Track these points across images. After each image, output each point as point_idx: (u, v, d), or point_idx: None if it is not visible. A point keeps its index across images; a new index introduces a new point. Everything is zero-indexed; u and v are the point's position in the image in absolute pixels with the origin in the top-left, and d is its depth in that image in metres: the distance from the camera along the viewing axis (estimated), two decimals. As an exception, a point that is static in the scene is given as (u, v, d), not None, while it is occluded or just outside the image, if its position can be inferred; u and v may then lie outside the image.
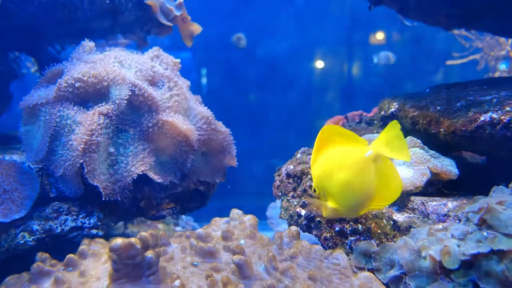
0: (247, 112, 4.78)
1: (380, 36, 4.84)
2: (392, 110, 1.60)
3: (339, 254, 1.10)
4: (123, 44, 2.45)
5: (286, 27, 4.94)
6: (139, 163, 1.46)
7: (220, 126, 1.72)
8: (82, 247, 1.24)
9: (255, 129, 4.63)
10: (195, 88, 1.89)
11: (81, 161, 1.33)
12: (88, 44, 1.64)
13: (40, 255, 1.23)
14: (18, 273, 1.21)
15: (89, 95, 1.47)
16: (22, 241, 1.33)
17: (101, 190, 1.37)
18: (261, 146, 4.57)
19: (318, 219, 1.28)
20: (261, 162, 4.33)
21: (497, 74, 3.74)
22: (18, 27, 1.82)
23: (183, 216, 3.01)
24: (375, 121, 1.86)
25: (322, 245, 1.27)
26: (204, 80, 4.93)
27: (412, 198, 1.21)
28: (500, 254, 0.89)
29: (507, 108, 1.14)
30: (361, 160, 0.97)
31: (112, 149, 1.43)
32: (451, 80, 1.72)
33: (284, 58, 4.85)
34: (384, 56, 3.60)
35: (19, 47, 2.22)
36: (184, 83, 1.75)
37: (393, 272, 1.04)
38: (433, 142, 1.32)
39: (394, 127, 0.96)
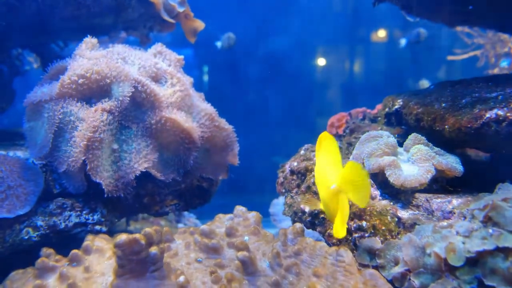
0: (249, 109, 4.78)
1: (382, 33, 4.83)
2: (396, 107, 1.60)
3: (344, 251, 1.10)
4: (122, 38, 2.44)
5: (288, 24, 4.94)
6: (142, 159, 1.45)
7: (224, 123, 1.72)
8: (86, 243, 1.24)
9: (257, 127, 4.63)
10: (197, 85, 1.88)
11: (84, 157, 1.33)
12: (91, 40, 1.64)
13: (45, 250, 1.23)
14: (23, 268, 1.22)
15: (92, 92, 1.46)
16: (26, 237, 1.33)
17: (103, 187, 1.37)
18: (263, 144, 4.57)
19: (322, 215, 1.28)
20: (263, 159, 4.32)
21: (496, 71, 3.74)
22: (21, 24, 1.82)
23: (185, 213, 3.01)
24: (379, 118, 1.86)
25: (326, 242, 1.27)
26: (205, 77, 4.93)
27: (417, 195, 1.21)
28: (505, 251, 0.89)
29: (513, 105, 1.13)
30: (328, 188, 1.07)
31: (115, 146, 1.43)
32: (453, 77, 1.72)
33: (287, 55, 4.84)
34: (414, 35, 3.61)
35: (22, 44, 2.22)
36: (187, 80, 1.74)
37: (397, 269, 1.04)
38: (438, 139, 1.31)
39: (357, 169, 1.00)
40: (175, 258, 1.18)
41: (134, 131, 1.49)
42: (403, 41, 3.75)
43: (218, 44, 4.04)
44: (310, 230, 1.40)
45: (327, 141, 1.14)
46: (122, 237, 0.95)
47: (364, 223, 1.19)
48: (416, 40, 3.69)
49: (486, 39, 3.68)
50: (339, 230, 1.03)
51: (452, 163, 1.22)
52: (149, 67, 1.57)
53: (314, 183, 1.40)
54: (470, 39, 3.75)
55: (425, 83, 4.03)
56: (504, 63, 3.73)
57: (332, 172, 1.08)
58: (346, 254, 1.09)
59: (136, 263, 0.97)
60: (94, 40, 1.65)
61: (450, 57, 3.89)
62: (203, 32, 2.37)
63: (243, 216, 1.31)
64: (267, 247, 1.18)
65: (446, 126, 1.26)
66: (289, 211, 1.49)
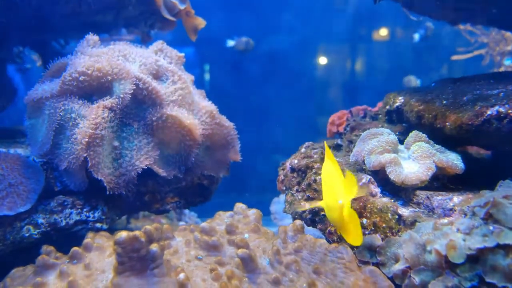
0: (250, 108, 4.77)
1: (383, 31, 4.81)
2: (397, 104, 1.59)
3: (344, 248, 1.10)
4: (127, 40, 2.45)
5: (290, 22, 4.93)
6: (143, 157, 1.45)
7: (224, 120, 1.72)
8: (86, 240, 1.24)
9: (258, 125, 4.62)
10: (198, 84, 1.89)
11: (85, 154, 1.33)
12: (92, 37, 1.64)
13: (45, 248, 1.23)
14: (24, 266, 1.22)
15: (93, 89, 1.46)
16: (27, 234, 1.34)
17: (105, 184, 1.37)
18: (264, 142, 4.56)
19: (323, 213, 1.28)
20: (264, 157, 4.32)
21: (502, 70, 3.72)
22: (22, 21, 1.82)
23: (186, 211, 3.01)
24: (380, 116, 1.85)
25: (326, 239, 1.27)
26: (207, 76, 4.92)
27: (417, 192, 1.21)
28: (506, 249, 0.88)
29: (514, 102, 1.12)
30: (336, 201, 1.09)
31: (116, 143, 1.43)
32: (454, 76, 1.71)
33: (288, 53, 4.83)
34: (423, 29, 3.67)
35: (23, 41, 2.22)
36: (188, 77, 1.74)
37: (398, 266, 1.04)
38: (439, 136, 1.31)
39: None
40: (175, 256, 1.18)
41: (135, 128, 1.49)
42: (416, 36, 3.76)
43: (230, 43, 3.99)
44: (310, 228, 1.40)
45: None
46: (122, 234, 0.95)
47: (364, 220, 1.19)
48: (425, 35, 3.71)
49: (489, 37, 3.66)
50: (356, 238, 1.07)
51: (453, 160, 1.22)
52: (150, 65, 1.57)
53: (314, 181, 1.40)
54: (473, 37, 3.73)
55: (411, 79, 4.04)
56: (508, 61, 3.72)
57: (341, 185, 1.12)
58: (346, 251, 1.09)
59: (136, 260, 0.97)
60: (96, 38, 1.65)
61: (454, 57, 3.86)
62: (204, 31, 2.37)
63: (243, 214, 1.31)
64: (267, 245, 1.18)
65: (447, 123, 1.25)
66: (289, 209, 1.48)
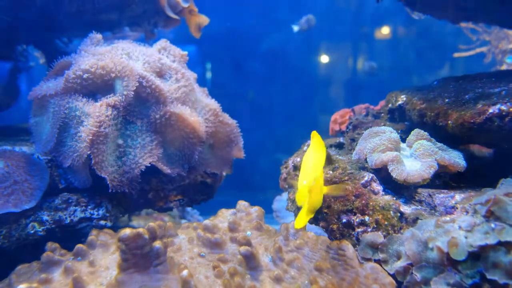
0: (252, 106, 4.78)
1: (385, 30, 4.81)
2: (399, 102, 1.59)
3: (345, 245, 1.10)
4: (132, 37, 2.46)
5: (292, 21, 4.93)
6: (147, 155, 1.46)
7: (227, 118, 1.73)
8: (90, 238, 1.25)
9: (260, 123, 4.63)
10: (200, 82, 1.89)
11: (89, 152, 1.34)
12: (96, 36, 1.65)
13: (50, 245, 1.24)
14: (28, 262, 1.23)
15: (97, 87, 1.47)
16: (32, 231, 1.35)
17: (108, 182, 1.38)
18: (266, 140, 4.57)
19: (325, 210, 1.28)
20: (266, 156, 4.33)
21: (503, 67, 3.71)
22: (27, 20, 1.83)
23: (189, 209, 3.03)
24: (382, 114, 1.86)
25: (329, 237, 1.27)
26: (208, 74, 4.93)
27: (419, 190, 1.21)
28: (508, 246, 0.89)
29: (516, 100, 1.13)
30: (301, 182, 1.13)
31: (120, 141, 1.44)
32: (456, 74, 1.72)
33: (290, 52, 4.83)
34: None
35: (27, 40, 2.23)
36: (191, 75, 1.75)
37: (400, 263, 1.05)
38: (441, 134, 1.31)
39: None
40: (178, 253, 1.19)
41: (139, 126, 1.49)
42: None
43: (295, 28, 4.05)
44: (313, 225, 1.41)
45: (316, 139, 1.23)
46: (126, 231, 0.96)
47: (367, 217, 1.20)
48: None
49: (491, 35, 3.65)
50: (300, 220, 1.06)
51: (455, 158, 1.22)
52: (153, 63, 1.58)
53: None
54: (475, 35, 3.73)
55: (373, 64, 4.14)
56: (509, 59, 3.70)
57: (311, 169, 1.14)
58: (347, 248, 1.10)
59: (140, 257, 0.98)
60: (99, 36, 1.66)
61: (456, 54, 3.86)
62: (206, 29, 2.38)
63: (245, 211, 1.32)
64: (270, 242, 1.19)
65: (449, 122, 1.26)
66: (292, 206, 1.49)
